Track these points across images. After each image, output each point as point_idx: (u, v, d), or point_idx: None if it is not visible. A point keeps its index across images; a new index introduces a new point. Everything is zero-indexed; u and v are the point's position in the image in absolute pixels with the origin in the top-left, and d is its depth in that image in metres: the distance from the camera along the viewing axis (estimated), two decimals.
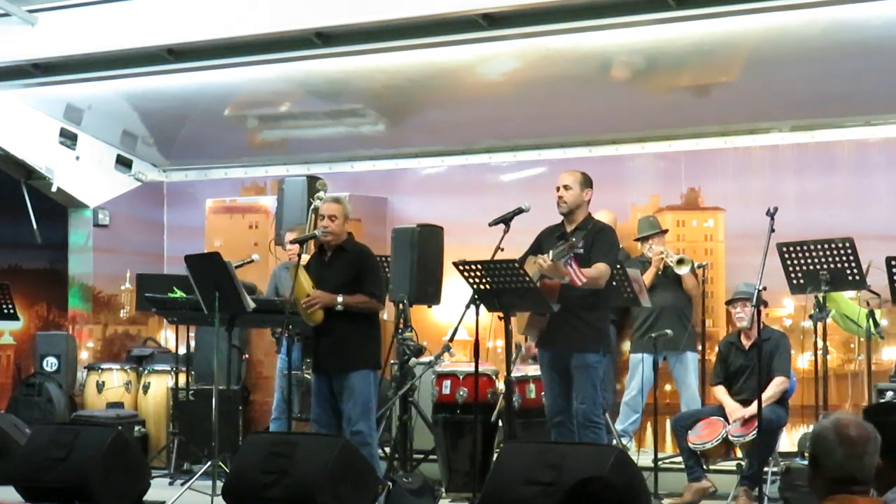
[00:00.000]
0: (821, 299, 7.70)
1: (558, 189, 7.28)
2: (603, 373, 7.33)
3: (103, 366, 10.54)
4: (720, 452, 7.85)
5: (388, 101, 10.34)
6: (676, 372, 9.22)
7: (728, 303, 8.35)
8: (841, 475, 3.60)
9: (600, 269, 7.08)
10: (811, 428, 8.08)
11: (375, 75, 9.85)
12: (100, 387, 10.31)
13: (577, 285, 6.90)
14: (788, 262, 7.57)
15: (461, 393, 8.28)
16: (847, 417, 3.71)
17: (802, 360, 9.00)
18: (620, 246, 8.18)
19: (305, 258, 7.91)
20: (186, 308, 8.53)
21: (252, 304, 7.92)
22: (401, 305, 8.66)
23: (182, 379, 9.67)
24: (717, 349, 8.56)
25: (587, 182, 7.31)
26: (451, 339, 7.81)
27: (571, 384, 7.14)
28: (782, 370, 7.92)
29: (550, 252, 6.91)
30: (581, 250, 7.05)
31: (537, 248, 7.25)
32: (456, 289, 8.24)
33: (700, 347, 9.30)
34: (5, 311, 9.55)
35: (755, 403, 7.52)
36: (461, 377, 8.32)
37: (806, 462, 7.33)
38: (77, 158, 11.30)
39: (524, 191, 9.79)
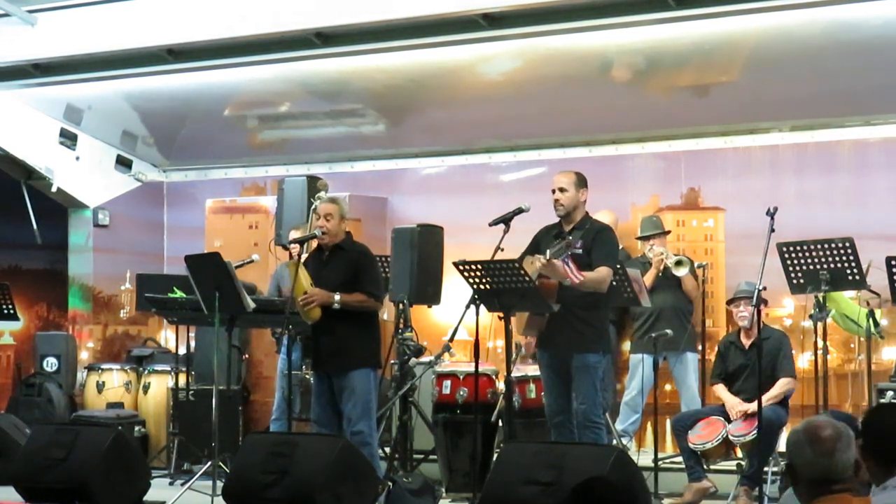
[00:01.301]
0: (821, 299, 7.69)
1: (554, 192, 7.26)
2: (603, 373, 7.32)
3: (103, 366, 10.54)
4: (720, 452, 7.85)
5: (388, 101, 10.33)
6: (676, 372, 9.22)
7: (729, 302, 8.34)
8: (813, 475, 3.60)
9: (603, 272, 7.06)
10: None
11: (375, 75, 9.85)
12: (100, 387, 10.31)
13: (574, 284, 6.89)
14: (788, 262, 7.57)
15: (461, 393, 8.28)
16: (818, 419, 3.73)
17: (802, 360, 9.00)
18: (620, 246, 8.17)
19: (305, 258, 7.91)
20: (186, 308, 8.53)
21: (252, 304, 7.92)
22: (401, 305, 8.66)
23: (182, 379, 9.67)
24: (716, 348, 8.56)
25: (582, 182, 7.29)
26: (451, 339, 7.81)
27: (571, 384, 7.13)
28: (788, 371, 7.94)
29: (547, 251, 6.89)
30: (580, 251, 7.04)
31: (535, 247, 7.24)
32: (456, 289, 8.24)
33: (700, 347, 9.30)
34: (5, 311, 9.54)
35: (753, 404, 7.55)
36: (461, 377, 8.32)
37: None
38: (77, 158, 11.30)
39: (524, 191, 9.78)
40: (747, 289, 7.86)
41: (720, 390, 8.12)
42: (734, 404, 7.92)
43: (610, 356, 7.91)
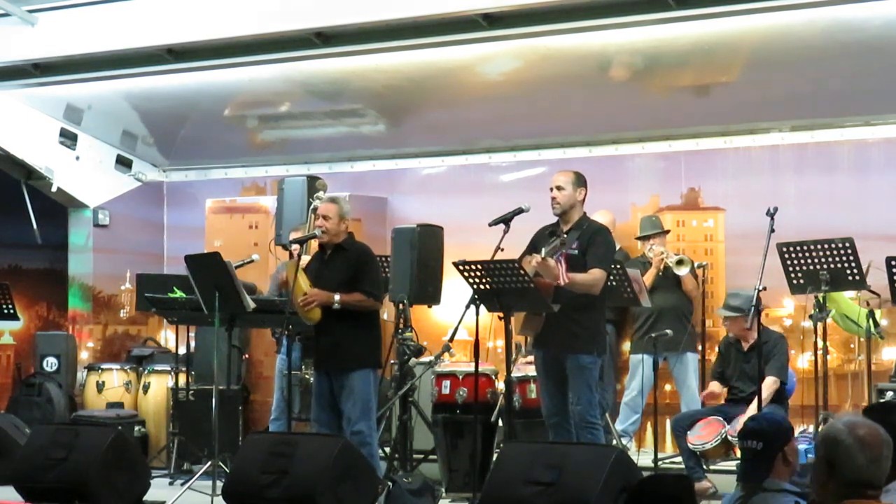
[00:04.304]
0: (821, 299, 7.69)
1: (551, 190, 7.26)
2: (598, 373, 7.30)
3: (103, 366, 10.55)
4: (720, 453, 7.83)
5: (388, 101, 10.34)
6: (676, 372, 9.23)
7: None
8: (858, 479, 3.56)
9: (595, 275, 7.04)
10: (819, 430, 8.12)
11: (375, 75, 9.85)
12: (100, 387, 10.32)
13: (559, 284, 6.86)
14: (788, 262, 7.57)
15: (461, 393, 8.28)
16: (859, 420, 3.68)
17: (802, 360, 9.00)
18: (619, 246, 8.15)
19: (306, 259, 7.91)
20: (186, 308, 8.53)
21: (252, 304, 7.92)
22: (401, 305, 8.66)
23: (182, 379, 9.67)
24: (717, 348, 8.56)
25: (580, 181, 7.27)
26: (451, 339, 7.81)
27: (566, 385, 7.12)
28: (774, 371, 7.90)
29: (543, 249, 6.88)
30: (576, 251, 7.03)
31: (533, 248, 7.21)
32: (456, 289, 8.24)
33: (700, 348, 9.31)
34: (5, 311, 9.54)
35: (753, 405, 7.54)
36: (461, 377, 8.31)
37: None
38: (77, 158, 11.30)
39: (524, 191, 9.77)
40: (732, 304, 7.86)
41: (713, 387, 8.15)
42: (710, 389, 7.97)
43: (606, 357, 7.90)
